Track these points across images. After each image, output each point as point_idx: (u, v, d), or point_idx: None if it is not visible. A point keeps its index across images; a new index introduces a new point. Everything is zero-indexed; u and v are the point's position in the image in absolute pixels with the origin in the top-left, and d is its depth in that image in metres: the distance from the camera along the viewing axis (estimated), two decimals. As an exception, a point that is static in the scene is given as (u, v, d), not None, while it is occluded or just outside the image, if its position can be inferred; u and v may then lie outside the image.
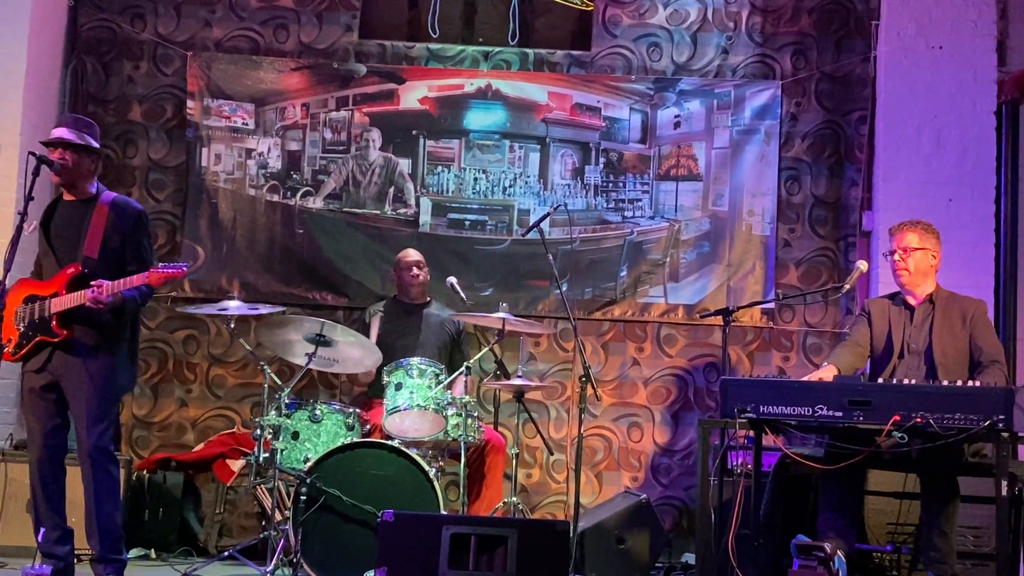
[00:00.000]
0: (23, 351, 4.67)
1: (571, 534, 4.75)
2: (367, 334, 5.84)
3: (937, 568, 4.52)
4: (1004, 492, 4.10)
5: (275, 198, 6.73)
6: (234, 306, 5.42)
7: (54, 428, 4.75)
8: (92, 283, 4.54)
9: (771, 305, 6.57)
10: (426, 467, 5.06)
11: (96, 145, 4.84)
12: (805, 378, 4.66)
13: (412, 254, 6.16)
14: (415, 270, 6.09)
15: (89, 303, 4.53)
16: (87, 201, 4.79)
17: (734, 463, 5.05)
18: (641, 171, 6.72)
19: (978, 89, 6.31)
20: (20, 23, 6.24)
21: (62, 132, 4.77)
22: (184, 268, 4.66)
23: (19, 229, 4.58)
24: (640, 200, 6.71)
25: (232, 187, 6.72)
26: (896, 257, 4.89)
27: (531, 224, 5.81)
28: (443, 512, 4.98)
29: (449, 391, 5.41)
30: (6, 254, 4.50)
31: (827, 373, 4.72)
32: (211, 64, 6.74)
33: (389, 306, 6.18)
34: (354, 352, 5.46)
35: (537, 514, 6.45)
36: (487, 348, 5.77)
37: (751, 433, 4.59)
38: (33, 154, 4.60)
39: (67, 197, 4.83)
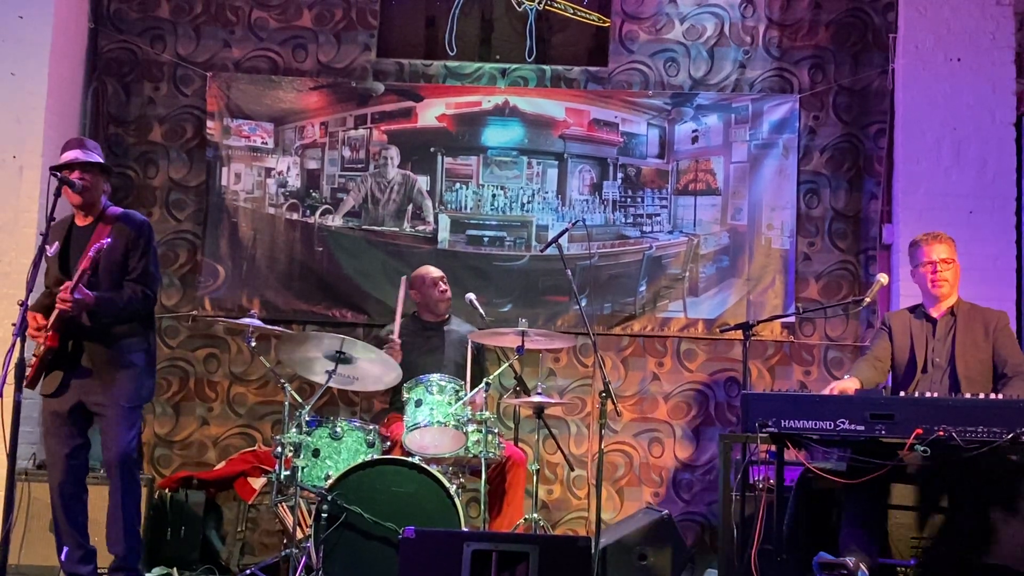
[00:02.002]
0: (31, 372, 4.72)
1: (593, 550, 4.73)
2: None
3: None
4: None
5: (294, 216, 6.76)
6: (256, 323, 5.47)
7: (75, 449, 4.81)
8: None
9: (791, 319, 6.55)
10: (447, 484, 5.05)
11: (104, 162, 4.92)
12: (826, 389, 4.65)
13: (434, 270, 6.16)
14: (442, 285, 6.09)
15: (59, 306, 4.59)
16: (95, 220, 4.85)
17: (756, 478, 5.03)
18: (659, 186, 6.72)
19: (997, 101, 6.29)
20: (41, 46, 6.29)
21: (74, 154, 4.83)
22: (102, 244, 4.64)
23: (41, 250, 4.63)
24: (659, 215, 6.70)
25: (252, 206, 6.76)
26: (940, 268, 4.86)
27: (550, 240, 5.81)
28: (464, 529, 4.97)
29: (468, 406, 5.40)
30: (28, 274, 4.54)
31: (848, 384, 4.70)
32: (230, 84, 6.79)
33: (408, 323, 6.17)
34: (374, 369, 5.47)
35: (559, 530, 6.44)
36: (507, 364, 5.77)
37: (773, 448, 4.57)
38: (55, 175, 4.65)
39: (79, 222, 4.88)
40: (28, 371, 4.68)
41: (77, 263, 4.72)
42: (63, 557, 4.76)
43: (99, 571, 4.87)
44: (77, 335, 4.75)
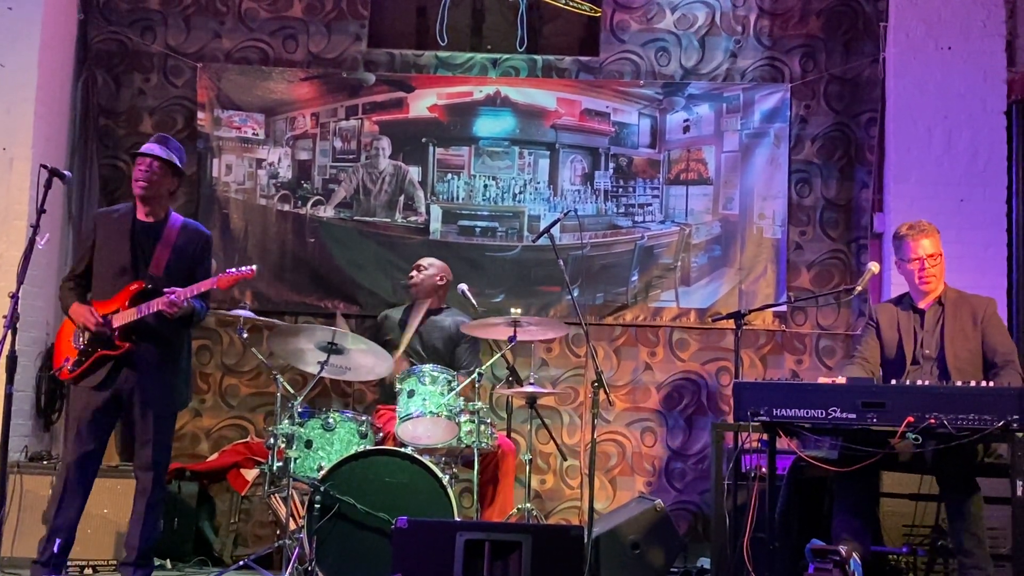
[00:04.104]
0: (82, 367, 4.76)
1: (586, 540, 4.74)
2: (383, 342, 5.82)
3: (977, 574, 4.47)
4: (1019, 492, 4.09)
5: (286, 208, 6.75)
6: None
7: (97, 445, 4.84)
8: (165, 290, 4.70)
9: (783, 308, 6.56)
10: (439, 474, 5.06)
11: (180, 166, 5.01)
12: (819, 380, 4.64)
13: (421, 259, 6.17)
14: (412, 271, 6.10)
15: (164, 307, 4.67)
16: (160, 222, 4.92)
17: (748, 467, 5.03)
18: (651, 176, 6.72)
19: (988, 89, 6.30)
20: (31, 37, 6.26)
21: (151, 148, 4.94)
22: (252, 269, 4.85)
23: (31, 242, 4.60)
24: (650, 204, 6.70)
25: (243, 197, 6.74)
26: (927, 265, 4.80)
27: (541, 230, 5.81)
28: (457, 519, 4.98)
29: (461, 398, 5.41)
30: (19, 266, 4.52)
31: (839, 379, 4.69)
32: (221, 75, 6.77)
33: (405, 312, 6.17)
34: (366, 360, 5.47)
35: (552, 520, 6.44)
36: (499, 354, 5.77)
37: (765, 436, 4.58)
38: (45, 167, 4.63)
39: (140, 217, 4.92)
40: (77, 368, 4.76)
41: (148, 263, 4.80)
42: (56, 549, 4.75)
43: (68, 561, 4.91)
44: (135, 333, 4.78)
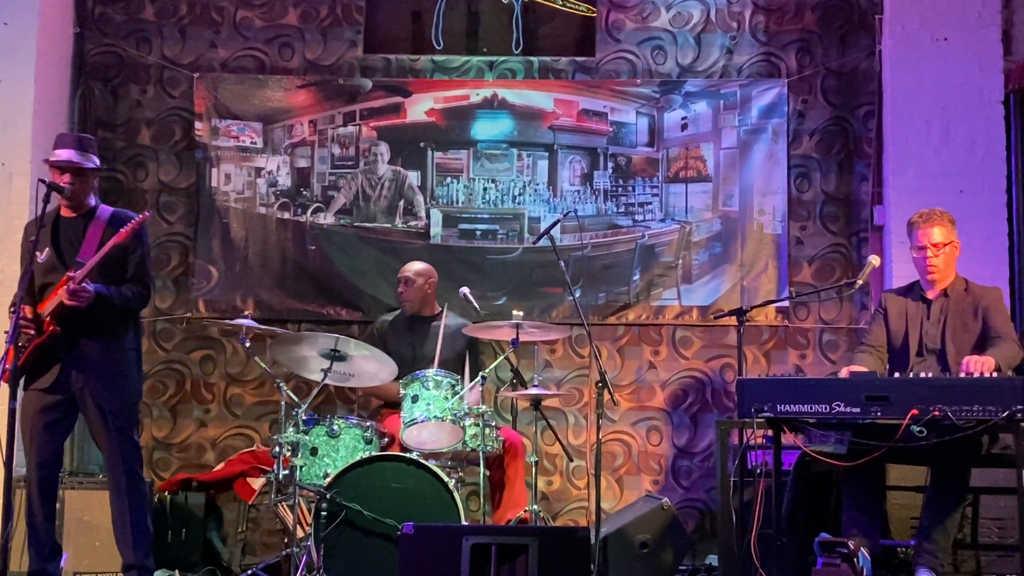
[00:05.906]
0: (21, 360, 4.64)
1: (593, 540, 4.74)
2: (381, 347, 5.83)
3: (928, 560, 4.46)
4: (1025, 483, 4.09)
5: (286, 215, 6.75)
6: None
7: (58, 448, 4.83)
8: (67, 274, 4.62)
9: (785, 303, 6.56)
10: (445, 478, 5.06)
11: (99, 163, 4.93)
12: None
13: (406, 268, 6.18)
14: (400, 286, 6.13)
15: (66, 296, 4.58)
16: (85, 215, 4.86)
17: (754, 463, 5.04)
18: (650, 174, 6.72)
19: (985, 79, 6.29)
20: (27, 51, 6.27)
21: (69, 154, 4.81)
22: (146, 215, 4.74)
23: (33, 256, 4.61)
24: (650, 203, 6.70)
25: (243, 206, 6.75)
26: (929, 254, 4.80)
27: (542, 232, 5.81)
28: (464, 523, 4.98)
29: (464, 401, 5.41)
30: (20, 282, 4.53)
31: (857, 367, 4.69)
32: (218, 85, 6.77)
33: (398, 318, 6.20)
34: (369, 366, 5.47)
35: (559, 521, 6.44)
36: (502, 357, 5.77)
37: (770, 432, 4.57)
38: (43, 181, 4.64)
39: (65, 213, 4.87)
40: (22, 357, 4.65)
41: (77, 254, 4.72)
42: (63, 563, 4.76)
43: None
44: (74, 329, 4.73)
